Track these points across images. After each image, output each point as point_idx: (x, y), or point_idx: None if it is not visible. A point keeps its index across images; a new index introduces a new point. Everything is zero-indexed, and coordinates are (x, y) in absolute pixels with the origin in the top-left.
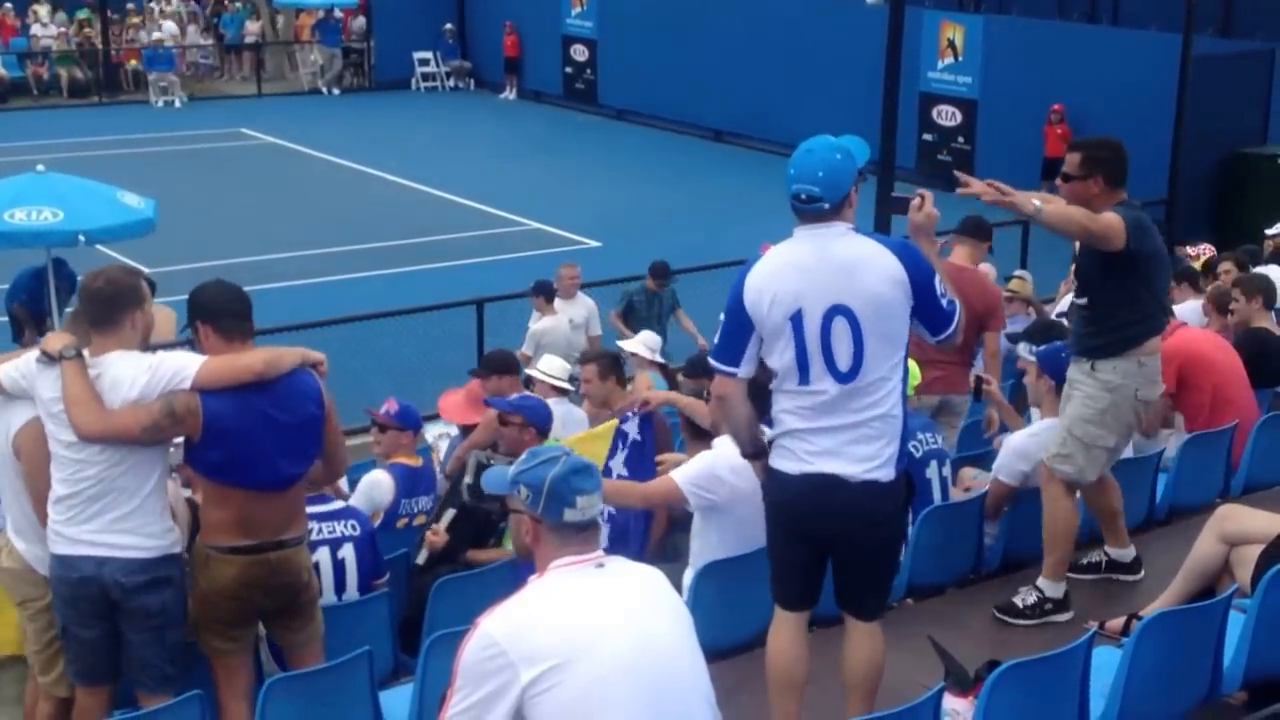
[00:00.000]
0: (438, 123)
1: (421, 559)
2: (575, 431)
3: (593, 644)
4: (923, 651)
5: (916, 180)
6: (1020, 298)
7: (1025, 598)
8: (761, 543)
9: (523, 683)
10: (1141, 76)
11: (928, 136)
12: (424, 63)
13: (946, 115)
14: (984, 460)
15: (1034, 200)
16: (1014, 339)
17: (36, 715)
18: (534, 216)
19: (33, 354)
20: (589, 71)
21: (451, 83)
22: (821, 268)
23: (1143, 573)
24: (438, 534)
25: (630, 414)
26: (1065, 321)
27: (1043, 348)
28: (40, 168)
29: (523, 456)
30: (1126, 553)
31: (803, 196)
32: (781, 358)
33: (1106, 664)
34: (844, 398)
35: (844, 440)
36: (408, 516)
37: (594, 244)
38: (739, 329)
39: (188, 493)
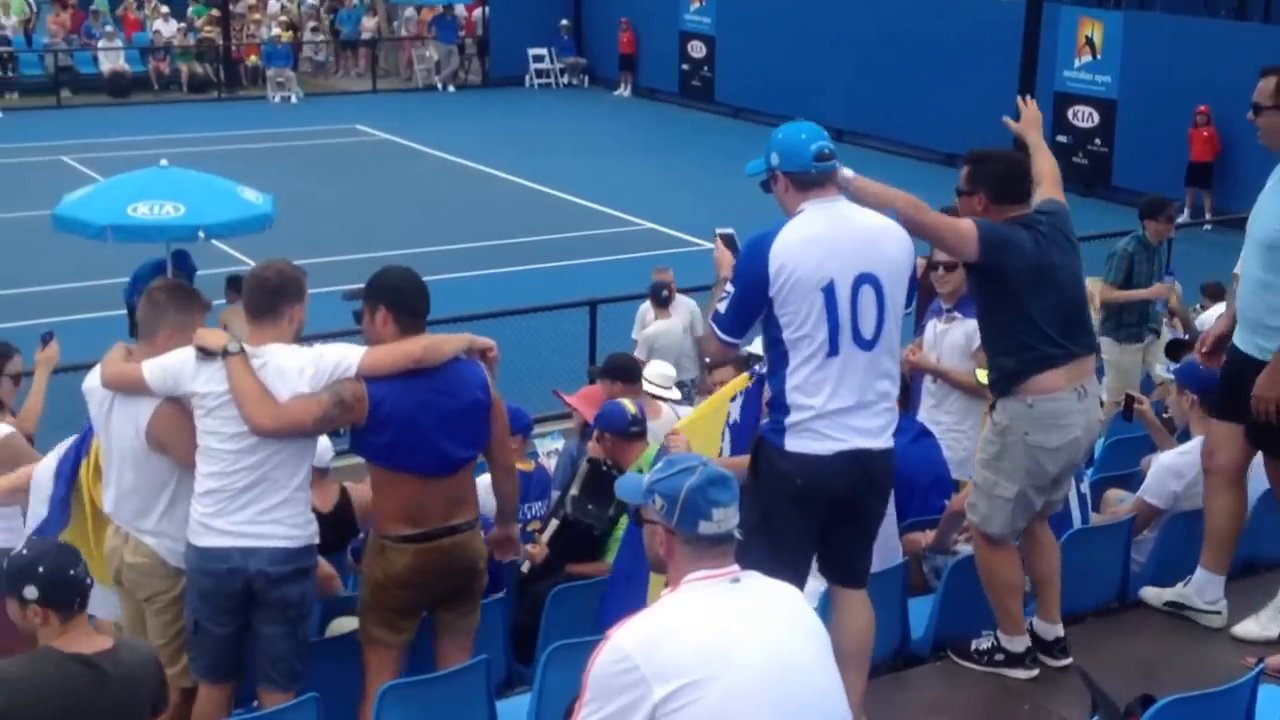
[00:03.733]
0: (552, 120)
1: (525, 568)
2: None
3: (728, 661)
4: (1068, 683)
5: None
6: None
7: (981, 642)
8: None
9: (655, 699)
10: None
11: (1062, 138)
12: (539, 59)
13: (1083, 116)
14: (1130, 481)
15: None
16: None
17: None
18: (647, 216)
19: (180, 352)
20: (706, 68)
21: (566, 79)
22: (846, 237)
23: (1069, 660)
24: (539, 546)
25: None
26: None
27: (1180, 364)
28: (163, 162)
29: (658, 465)
30: (1050, 629)
31: (825, 151)
32: (810, 329)
33: (1271, 702)
34: (867, 367)
35: (870, 414)
36: (519, 522)
37: (709, 246)
38: (755, 300)
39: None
